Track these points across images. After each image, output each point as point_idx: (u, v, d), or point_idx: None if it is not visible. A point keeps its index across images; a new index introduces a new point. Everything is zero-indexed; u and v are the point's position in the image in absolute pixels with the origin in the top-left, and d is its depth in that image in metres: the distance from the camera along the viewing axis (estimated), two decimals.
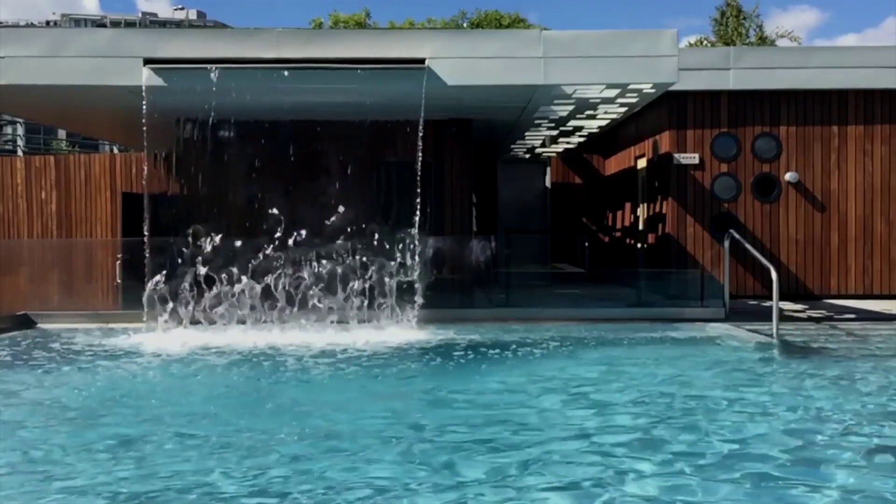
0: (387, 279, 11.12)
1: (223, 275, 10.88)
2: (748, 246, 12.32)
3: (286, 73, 11.15)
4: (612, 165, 19.68)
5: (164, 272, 10.89)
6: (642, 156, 16.89)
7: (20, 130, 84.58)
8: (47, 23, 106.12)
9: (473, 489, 4.75)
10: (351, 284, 11.02)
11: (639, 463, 5.23)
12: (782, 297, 11.72)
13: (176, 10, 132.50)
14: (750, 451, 5.50)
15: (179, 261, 10.93)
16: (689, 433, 5.94)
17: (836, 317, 12.34)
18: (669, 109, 14.93)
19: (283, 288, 10.92)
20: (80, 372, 8.49)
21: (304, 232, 11.13)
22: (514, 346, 9.82)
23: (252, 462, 5.33)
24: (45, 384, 7.97)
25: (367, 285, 11.08)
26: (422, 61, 11.26)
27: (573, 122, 15.61)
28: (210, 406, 7.12)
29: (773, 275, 10.61)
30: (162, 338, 10.47)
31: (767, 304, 11.77)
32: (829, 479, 4.97)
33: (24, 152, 74.86)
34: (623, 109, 14.27)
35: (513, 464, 5.21)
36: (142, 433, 6.08)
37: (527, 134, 17.01)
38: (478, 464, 5.20)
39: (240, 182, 13.99)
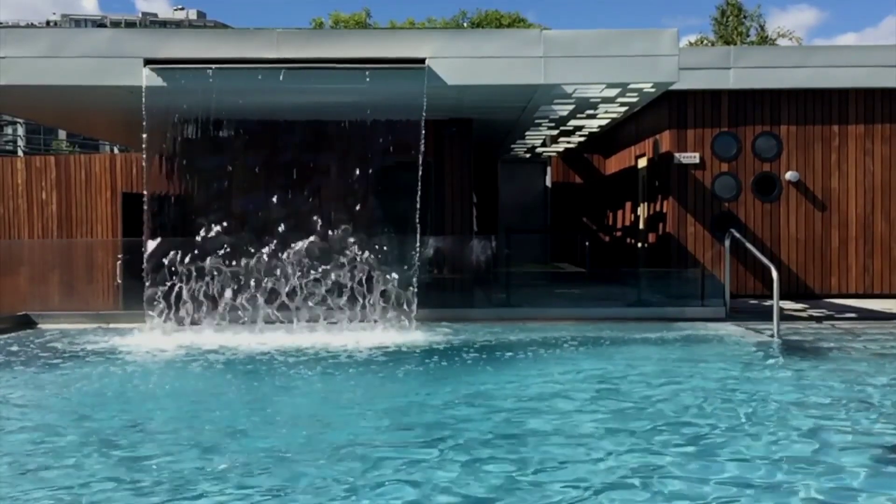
0: (387, 279, 11.10)
1: (222, 276, 10.88)
2: (749, 245, 12.31)
3: (283, 73, 11.12)
4: (613, 165, 19.67)
5: (164, 272, 10.88)
6: (643, 155, 16.89)
7: (20, 131, 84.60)
8: (47, 23, 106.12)
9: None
10: (351, 285, 11.01)
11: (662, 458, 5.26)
12: (783, 297, 11.71)
13: (176, 10, 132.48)
14: (750, 447, 5.51)
15: (178, 261, 10.92)
16: (687, 432, 5.95)
17: (836, 316, 12.34)
18: (670, 109, 14.92)
19: (283, 289, 10.91)
20: (69, 372, 8.51)
21: (303, 231, 11.12)
22: (518, 346, 9.82)
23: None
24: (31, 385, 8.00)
25: (366, 285, 11.06)
26: (422, 61, 11.25)
27: (573, 122, 15.60)
28: (196, 407, 7.14)
29: (774, 274, 10.60)
30: (160, 338, 10.47)
31: (768, 303, 11.77)
32: (841, 474, 4.98)
33: (24, 152, 74.90)
34: (623, 109, 14.26)
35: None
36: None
37: (527, 133, 17.00)
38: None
39: (239, 182, 13.99)
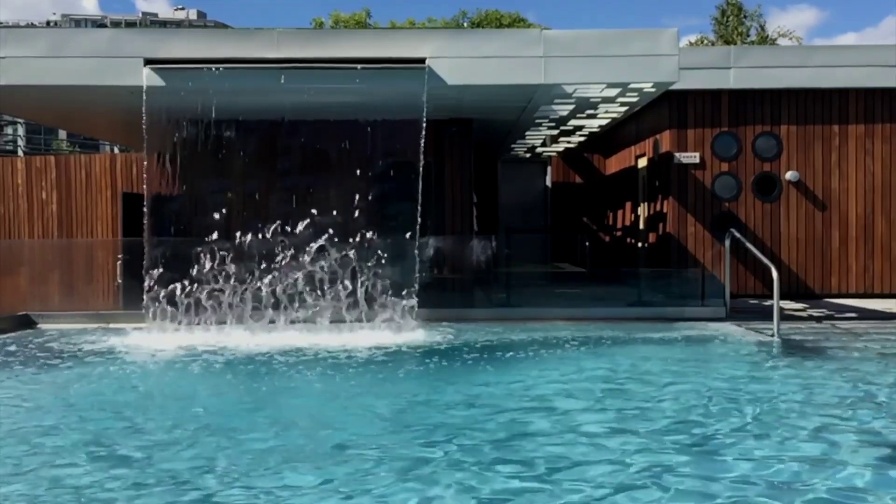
0: (387, 279, 11.09)
1: (221, 276, 10.87)
2: (749, 245, 12.31)
3: (283, 75, 11.12)
4: (613, 165, 19.67)
5: (163, 272, 10.88)
6: (643, 155, 16.88)
7: (21, 131, 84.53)
8: (47, 23, 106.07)
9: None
10: (350, 285, 10.99)
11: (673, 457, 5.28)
12: (783, 297, 11.71)
13: (176, 10, 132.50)
14: (756, 446, 5.51)
15: (178, 262, 10.92)
16: (692, 431, 5.94)
17: (836, 316, 12.33)
18: (670, 108, 14.91)
19: (284, 289, 10.90)
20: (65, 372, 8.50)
21: (303, 232, 11.10)
22: (519, 346, 9.81)
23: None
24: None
25: (366, 286, 11.05)
26: (422, 61, 11.24)
27: (574, 122, 15.59)
28: (195, 407, 7.13)
29: (774, 274, 10.60)
30: (160, 338, 10.46)
31: (768, 303, 11.76)
32: (846, 474, 4.98)
33: (24, 152, 74.87)
34: (623, 109, 14.25)
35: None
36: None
37: (527, 133, 16.99)
38: None
39: (239, 182, 13.98)
